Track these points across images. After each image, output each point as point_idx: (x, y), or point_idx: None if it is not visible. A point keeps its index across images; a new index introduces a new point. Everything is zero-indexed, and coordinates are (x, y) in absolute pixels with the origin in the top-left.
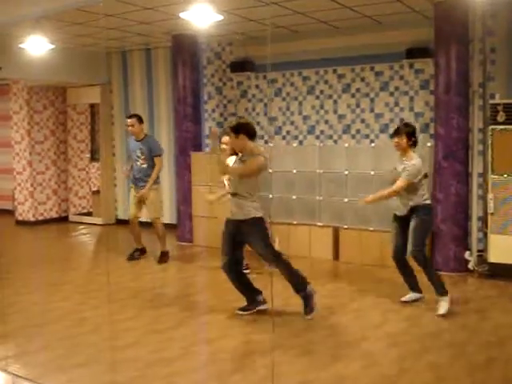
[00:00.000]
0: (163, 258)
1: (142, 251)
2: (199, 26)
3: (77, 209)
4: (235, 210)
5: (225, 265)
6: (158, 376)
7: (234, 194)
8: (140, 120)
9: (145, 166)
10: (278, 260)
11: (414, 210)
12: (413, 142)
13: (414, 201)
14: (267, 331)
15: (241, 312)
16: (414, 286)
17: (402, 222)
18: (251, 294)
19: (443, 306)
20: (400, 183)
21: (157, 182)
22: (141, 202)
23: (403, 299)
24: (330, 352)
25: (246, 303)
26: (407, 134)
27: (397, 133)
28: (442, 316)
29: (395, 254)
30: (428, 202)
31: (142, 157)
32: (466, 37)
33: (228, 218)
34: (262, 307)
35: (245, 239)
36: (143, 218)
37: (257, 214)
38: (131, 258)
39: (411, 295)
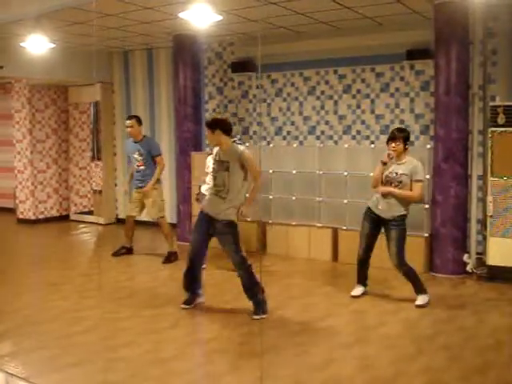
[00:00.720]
0: (170, 257)
1: (129, 250)
2: (199, 25)
3: (78, 207)
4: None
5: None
6: (153, 376)
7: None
8: (139, 121)
9: (143, 167)
10: (243, 265)
11: (395, 219)
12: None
13: (403, 210)
14: (262, 332)
15: (184, 306)
16: (366, 278)
17: (374, 223)
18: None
19: (423, 299)
20: (419, 189)
21: (158, 181)
22: (142, 202)
23: (353, 294)
24: (324, 353)
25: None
26: (403, 138)
27: (394, 138)
28: (421, 307)
29: (364, 255)
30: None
31: (140, 158)
32: (466, 38)
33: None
34: (200, 300)
35: (218, 237)
36: (145, 218)
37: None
38: (116, 253)
39: (362, 289)
